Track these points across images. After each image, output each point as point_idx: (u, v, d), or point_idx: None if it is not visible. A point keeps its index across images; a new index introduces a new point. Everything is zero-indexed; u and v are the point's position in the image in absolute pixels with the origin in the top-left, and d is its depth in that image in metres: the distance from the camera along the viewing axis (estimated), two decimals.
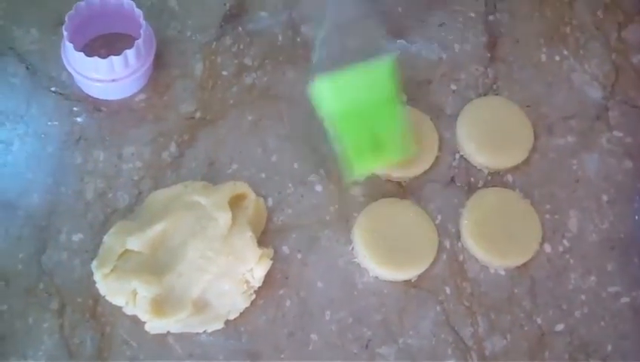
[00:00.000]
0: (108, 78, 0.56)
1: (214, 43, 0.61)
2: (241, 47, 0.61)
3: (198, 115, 0.58)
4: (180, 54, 0.61)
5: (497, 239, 0.55)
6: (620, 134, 0.61)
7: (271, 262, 0.52)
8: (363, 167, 0.53)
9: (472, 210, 0.56)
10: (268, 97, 0.60)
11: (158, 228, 0.52)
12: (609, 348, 0.54)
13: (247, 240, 0.52)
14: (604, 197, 0.59)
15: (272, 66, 0.61)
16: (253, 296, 0.52)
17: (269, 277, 0.53)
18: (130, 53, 0.55)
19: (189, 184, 0.55)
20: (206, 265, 0.51)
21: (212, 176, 0.56)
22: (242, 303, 0.52)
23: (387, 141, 0.52)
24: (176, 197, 0.54)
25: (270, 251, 0.53)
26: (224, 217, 0.52)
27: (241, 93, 0.60)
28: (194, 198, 0.53)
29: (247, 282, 0.52)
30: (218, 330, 0.52)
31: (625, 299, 0.55)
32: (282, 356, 0.51)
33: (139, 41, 0.55)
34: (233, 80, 0.60)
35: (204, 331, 0.52)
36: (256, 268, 0.51)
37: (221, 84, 0.60)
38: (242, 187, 0.54)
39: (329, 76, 0.51)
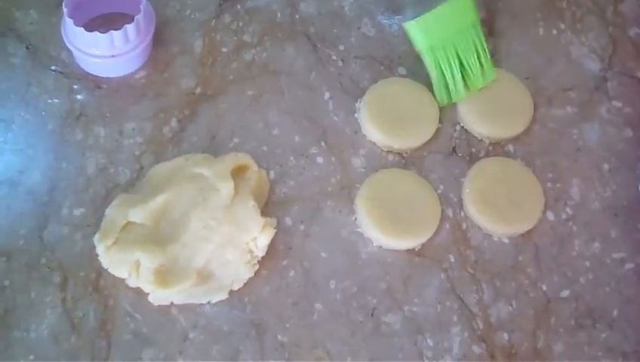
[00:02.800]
0: (108, 53, 0.56)
1: (213, 21, 0.61)
2: (240, 24, 0.62)
3: (198, 90, 0.59)
4: (179, 32, 0.61)
5: (500, 207, 0.55)
6: (619, 104, 0.61)
7: (274, 230, 0.52)
8: (455, 94, 0.58)
9: (474, 178, 0.56)
10: (268, 73, 0.60)
11: (160, 199, 0.52)
12: (615, 313, 0.53)
13: (249, 209, 0.52)
14: (606, 166, 0.59)
15: (271, 43, 0.61)
16: (257, 266, 0.52)
17: (272, 248, 0.53)
18: (130, 28, 0.55)
19: (191, 157, 0.55)
20: (209, 234, 0.51)
21: (214, 150, 0.56)
22: (246, 273, 0.51)
23: (472, 67, 0.58)
24: (178, 170, 0.54)
25: (273, 220, 0.53)
26: (226, 187, 0.52)
27: (240, 69, 0.60)
28: (196, 170, 0.53)
29: (250, 252, 0.52)
30: (222, 301, 0.51)
31: (629, 265, 0.55)
32: (287, 325, 0.51)
33: (138, 17, 0.55)
34: (233, 56, 0.60)
35: (208, 302, 0.51)
36: (259, 237, 0.51)
37: (221, 61, 0.60)
38: (244, 158, 0.54)
39: (418, 17, 0.57)
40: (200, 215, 0.51)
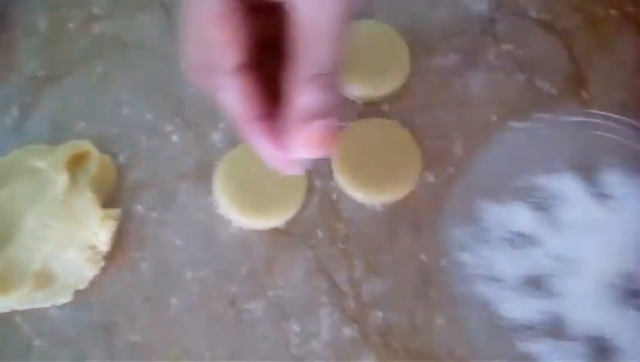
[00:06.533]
0: None
1: None
2: None
3: (42, 73, 0.53)
4: (23, 12, 0.56)
5: (372, 173, 0.50)
6: (510, 47, 0.55)
7: (116, 223, 0.47)
8: None
9: (344, 144, 0.51)
10: (118, 46, 0.54)
11: None
12: None
13: (87, 202, 0.47)
14: (493, 117, 0.53)
15: (122, 13, 0.56)
16: (102, 263, 0.47)
17: (122, 240, 0.48)
18: None
19: (31, 148, 0.50)
20: (46, 233, 0.47)
21: (59, 138, 0.51)
22: (90, 271, 0.47)
23: None
24: (16, 164, 0.49)
25: (115, 212, 0.48)
26: (60, 180, 0.47)
27: (89, 45, 0.55)
28: (34, 163, 0.49)
29: (92, 247, 0.47)
30: (68, 303, 0.47)
31: None
32: (139, 324, 0.47)
33: None
34: (80, 32, 0.55)
35: (53, 305, 0.47)
36: (99, 231, 0.47)
37: (67, 38, 0.55)
38: (84, 145, 0.49)
39: None
40: (37, 212, 0.47)
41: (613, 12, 0.57)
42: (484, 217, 0.48)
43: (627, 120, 0.50)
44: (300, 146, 0.34)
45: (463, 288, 0.47)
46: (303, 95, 0.33)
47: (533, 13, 0.57)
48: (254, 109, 0.35)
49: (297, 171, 0.38)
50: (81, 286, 0.47)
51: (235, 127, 0.38)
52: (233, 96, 0.35)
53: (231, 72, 0.34)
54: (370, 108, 0.53)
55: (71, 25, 0.55)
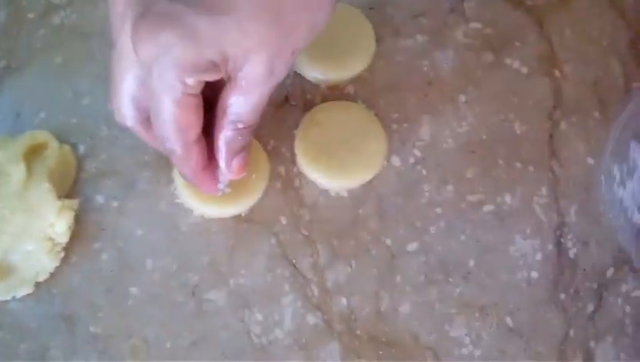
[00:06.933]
0: None
1: None
2: None
3: (2, 64, 0.52)
4: None
5: (336, 158, 0.49)
6: (479, 25, 0.54)
7: (73, 214, 0.47)
8: None
9: (306, 129, 0.49)
10: (78, 35, 0.53)
11: None
12: (471, 263, 0.47)
13: (43, 193, 0.46)
14: (462, 98, 0.52)
15: (81, 2, 0.54)
16: (62, 254, 0.47)
17: (82, 230, 0.48)
18: None
19: None
20: (2, 225, 0.46)
21: (18, 129, 0.50)
22: (50, 263, 0.46)
23: None
24: None
25: (73, 202, 0.47)
26: (17, 171, 0.46)
27: (48, 35, 0.53)
28: None
29: (51, 239, 0.46)
30: (28, 295, 0.46)
31: (488, 207, 0.49)
32: (100, 315, 0.46)
33: None
34: (40, 22, 0.54)
35: (13, 297, 0.46)
36: (57, 222, 0.46)
37: (27, 28, 0.54)
38: (42, 136, 0.49)
39: None
40: None
41: None
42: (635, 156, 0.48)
43: None
44: (227, 175, 0.43)
45: (617, 219, 0.48)
46: (225, 137, 0.41)
47: None
48: (205, 163, 0.42)
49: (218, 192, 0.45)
50: (42, 278, 0.46)
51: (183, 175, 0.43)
52: (191, 161, 0.41)
53: (191, 143, 0.40)
54: (334, 91, 0.52)
55: (31, 15, 0.54)
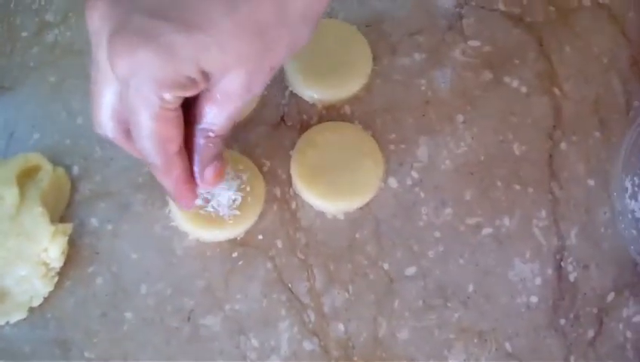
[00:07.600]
0: None
1: (12, 2, 0.54)
2: (42, 2, 0.54)
3: None
4: None
5: (333, 180, 0.48)
6: (477, 43, 0.53)
7: (66, 238, 0.46)
8: None
9: (302, 150, 0.49)
10: (72, 53, 0.53)
11: None
12: (470, 288, 0.47)
13: (37, 216, 0.46)
14: (460, 118, 0.51)
15: (76, 20, 0.54)
16: (56, 278, 0.46)
17: (76, 254, 0.47)
18: None
19: None
20: None
21: (12, 150, 0.50)
22: (44, 287, 0.46)
23: None
24: None
25: (66, 226, 0.47)
26: (10, 195, 0.46)
27: (42, 53, 0.53)
28: None
29: (45, 264, 0.46)
30: (22, 320, 0.46)
31: (487, 230, 0.48)
32: (95, 340, 0.45)
33: None
34: (33, 40, 0.53)
35: (7, 322, 0.46)
36: (50, 247, 0.46)
37: (20, 47, 0.53)
38: (35, 158, 0.48)
39: None
40: None
41: (586, 2, 0.55)
42: None
43: None
44: (205, 185, 0.42)
45: (629, 231, 0.48)
46: (196, 144, 0.40)
47: (501, 6, 0.54)
48: (186, 177, 0.41)
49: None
50: (36, 303, 0.46)
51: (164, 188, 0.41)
52: (172, 174, 0.40)
53: (171, 156, 0.39)
54: (331, 111, 0.51)
55: (24, 33, 0.54)
